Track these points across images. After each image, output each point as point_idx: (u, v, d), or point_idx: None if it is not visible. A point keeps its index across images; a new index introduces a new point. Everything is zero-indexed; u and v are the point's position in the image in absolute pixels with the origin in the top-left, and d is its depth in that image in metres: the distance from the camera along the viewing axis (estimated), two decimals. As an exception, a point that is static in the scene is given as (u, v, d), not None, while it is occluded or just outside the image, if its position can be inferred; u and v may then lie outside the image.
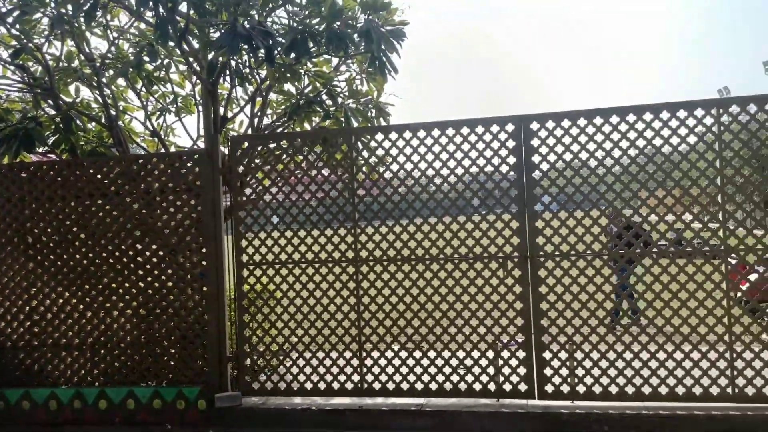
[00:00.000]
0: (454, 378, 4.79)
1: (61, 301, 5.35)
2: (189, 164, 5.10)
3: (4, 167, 5.40)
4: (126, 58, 5.62)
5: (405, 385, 4.84)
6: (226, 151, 5.26)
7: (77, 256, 5.30)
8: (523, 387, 4.66)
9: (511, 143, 4.77)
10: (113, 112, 5.79)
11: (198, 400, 4.97)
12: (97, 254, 5.26)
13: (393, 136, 4.96)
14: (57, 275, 5.33)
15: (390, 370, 4.87)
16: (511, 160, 4.77)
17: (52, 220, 5.34)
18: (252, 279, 5.12)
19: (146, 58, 5.26)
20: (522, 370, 4.67)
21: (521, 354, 4.67)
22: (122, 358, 5.22)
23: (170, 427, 4.96)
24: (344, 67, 6.13)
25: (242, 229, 5.11)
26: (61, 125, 5.49)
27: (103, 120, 5.84)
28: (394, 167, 4.95)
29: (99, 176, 5.24)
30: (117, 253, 5.23)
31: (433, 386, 4.78)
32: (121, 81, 5.83)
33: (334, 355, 4.99)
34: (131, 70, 5.49)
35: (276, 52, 4.78)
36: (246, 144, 5.16)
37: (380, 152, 5.02)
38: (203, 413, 4.96)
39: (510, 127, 4.77)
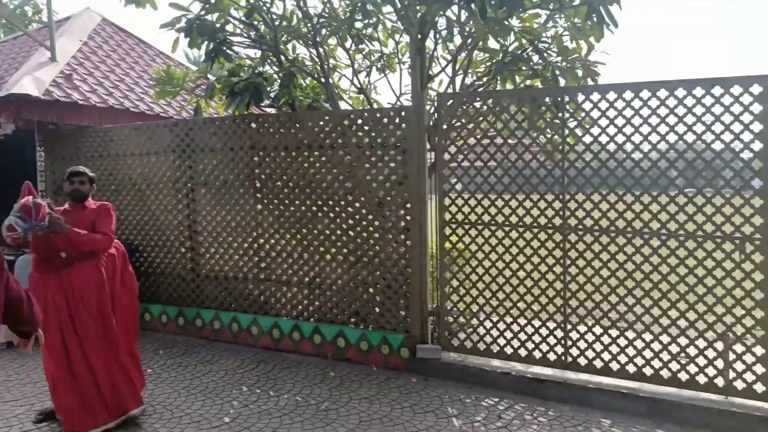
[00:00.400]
0: (673, 366, 4.40)
1: (283, 242, 5.93)
2: (396, 120, 5.18)
3: (237, 118, 6.00)
4: (338, 17, 5.77)
5: (615, 365, 4.58)
6: (431, 110, 5.25)
7: (297, 202, 5.78)
8: (759, 388, 4.12)
9: (756, 107, 4.05)
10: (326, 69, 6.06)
11: (401, 348, 5.27)
12: (314, 202, 5.69)
13: (611, 96, 4.49)
14: (280, 218, 5.89)
15: (598, 347, 4.64)
16: (756, 127, 4.06)
17: (276, 168, 5.85)
18: (454, 238, 5.16)
19: (358, 17, 5.34)
20: (760, 369, 4.12)
21: (759, 350, 4.12)
22: (334, 299, 5.68)
23: (375, 369, 5.35)
24: (551, 23, 5.63)
25: (446, 188, 5.12)
26: (284, 80, 5.88)
27: (318, 76, 6.14)
28: (611, 130, 4.51)
29: (316, 129, 5.57)
30: (330, 202, 5.59)
31: (648, 371, 4.45)
32: (331, 40, 6.03)
33: (536, 323, 4.88)
34: (344, 27, 5.63)
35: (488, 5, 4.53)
36: (451, 101, 5.06)
37: (595, 114, 4.60)
38: (405, 361, 5.25)
39: (756, 89, 4.03)
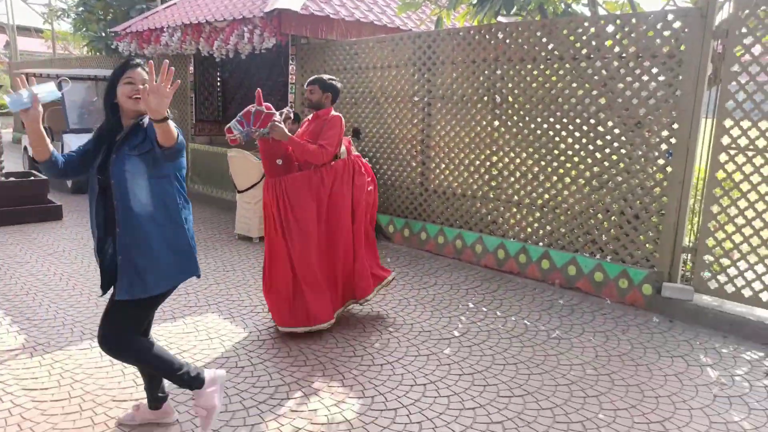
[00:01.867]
0: None
1: (518, 161, 5.63)
2: (675, 25, 4.46)
3: (483, 28, 5.72)
4: None
5: None
6: (719, 11, 4.42)
7: (538, 119, 5.40)
8: None
9: None
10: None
11: (643, 284, 4.74)
12: (558, 119, 5.26)
13: None
14: (517, 135, 5.59)
15: None
16: None
17: (520, 81, 5.50)
18: (731, 166, 4.39)
19: None
20: None
21: None
22: (568, 225, 5.29)
23: (609, 302, 4.91)
24: None
25: (729, 106, 4.33)
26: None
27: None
28: None
29: (571, 38, 5.07)
30: (578, 120, 5.12)
31: None
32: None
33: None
34: None
35: None
36: (755, 2, 4.18)
37: None
38: (646, 298, 4.73)
39: None
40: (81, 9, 12.58)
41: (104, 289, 2.63)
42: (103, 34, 11.64)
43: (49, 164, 2.51)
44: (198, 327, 4.21)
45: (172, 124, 2.33)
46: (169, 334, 4.06)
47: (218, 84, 10.92)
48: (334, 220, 4.21)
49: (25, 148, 11.05)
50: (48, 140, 2.49)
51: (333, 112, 4.23)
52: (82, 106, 10.42)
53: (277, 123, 3.92)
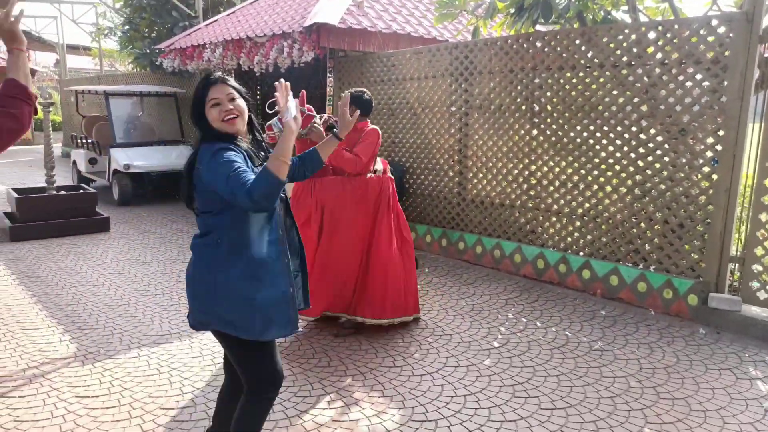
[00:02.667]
0: None
1: (557, 169, 5.58)
2: (720, 30, 4.37)
3: (521, 37, 5.71)
4: None
5: None
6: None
7: (578, 127, 5.35)
8: None
9: None
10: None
11: (689, 294, 4.63)
12: (598, 127, 5.20)
13: None
14: (556, 144, 5.54)
15: None
16: None
17: (559, 90, 5.46)
18: (780, 173, 4.27)
19: None
20: None
21: None
22: (609, 234, 5.21)
23: (653, 313, 4.81)
24: None
25: (777, 112, 4.21)
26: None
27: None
28: None
29: (611, 45, 5.01)
30: (619, 128, 5.05)
31: None
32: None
33: None
34: None
35: None
36: (803, 3, 4.08)
37: None
38: (692, 309, 4.61)
39: None
40: (127, 27, 13.05)
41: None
42: (148, 51, 12.03)
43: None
44: (241, 336, 4.30)
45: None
46: (213, 342, 4.16)
47: (258, 97, 11.15)
48: (364, 230, 4.32)
49: (74, 162, 11.48)
50: None
51: (370, 125, 4.32)
52: (127, 120, 10.78)
53: (317, 125, 4.01)
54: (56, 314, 4.69)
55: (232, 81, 2.28)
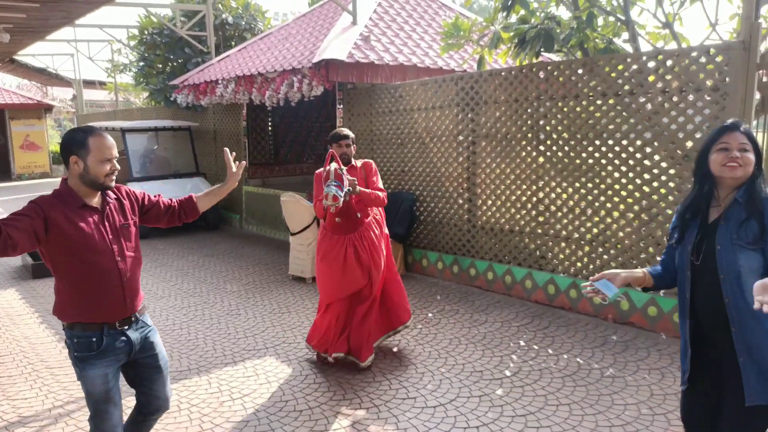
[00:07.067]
0: None
1: (564, 196, 5.67)
2: (718, 59, 4.47)
3: (525, 67, 5.84)
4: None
5: None
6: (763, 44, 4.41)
7: (583, 154, 5.44)
8: None
9: None
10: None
11: (699, 319, 4.65)
12: (603, 154, 5.29)
13: None
14: (563, 171, 5.63)
15: None
16: None
17: (563, 118, 5.57)
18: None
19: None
20: None
21: None
22: (619, 259, 5.26)
23: (664, 337, 4.84)
24: None
25: (778, 137, 4.28)
26: (581, 24, 5.50)
27: (617, 14, 5.62)
28: None
29: (613, 75, 5.12)
30: (624, 155, 5.14)
31: None
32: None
33: None
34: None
35: None
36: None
37: None
38: (704, 333, 4.64)
39: None
40: (141, 63, 13.41)
41: (690, 381, 2.35)
42: (162, 87, 12.35)
43: (659, 283, 2.46)
44: (257, 371, 4.39)
45: None
46: (230, 378, 4.26)
47: (269, 129, 11.38)
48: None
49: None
50: None
51: (362, 160, 4.57)
52: (143, 155, 11.04)
53: (352, 179, 4.11)
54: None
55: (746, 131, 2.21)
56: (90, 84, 23.98)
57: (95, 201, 2.52)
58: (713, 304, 2.19)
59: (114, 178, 2.51)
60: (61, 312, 2.49)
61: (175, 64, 12.61)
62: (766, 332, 2.11)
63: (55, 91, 29.78)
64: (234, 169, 2.91)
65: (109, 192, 2.58)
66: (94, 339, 2.45)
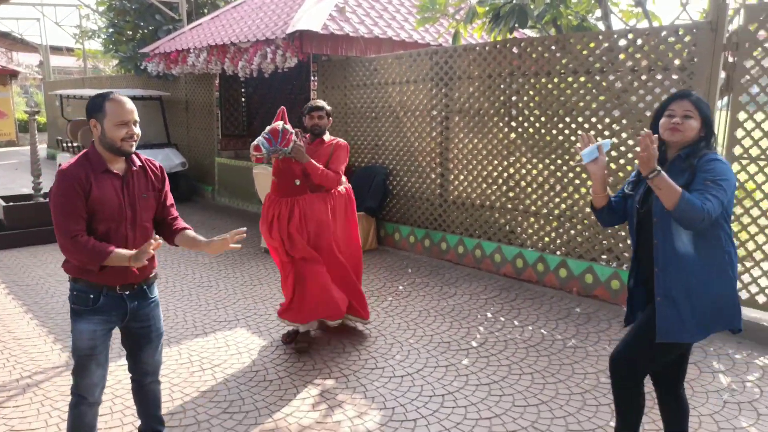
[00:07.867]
0: None
1: (534, 171, 5.75)
2: (686, 39, 4.54)
3: (498, 43, 5.86)
4: None
5: None
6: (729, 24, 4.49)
7: (554, 131, 5.52)
8: None
9: None
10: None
11: (659, 293, 4.82)
12: (573, 131, 5.37)
13: None
14: (533, 147, 5.70)
15: None
16: None
17: (535, 95, 5.63)
18: (743, 176, 4.45)
19: None
20: None
21: None
22: (585, 234, 5.39)
23: (625, 309, 4.99)
24: None
25: (740, 117, 4.40)
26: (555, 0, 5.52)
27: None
28: None
29: (584, 52, 5.18)
30: (592, 132, 5.22)
31: None
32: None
33: None
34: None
35: None
36: (764, 16, 4.25)
37: None
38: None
39: None
40: (111, 30, 13.05)
41: (627, 321, 2.73)
42: (132, 54, 12.06)
43: (606, 211, 2.61)
44: (228, 342, 4.43)
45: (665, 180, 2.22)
46: (201, 349, 4.29)
47: (242, 100, 11.24)
48: (336, 242, 4.36)
49: (60, 166, 11.49)
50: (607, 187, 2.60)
51: (337, 139, 4.37)
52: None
53: (299, 144, 4.08)
54: (47, 323, 4.80)
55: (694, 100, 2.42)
56: (57, 50, 23.28)
57: (118, 167, 2.56)
58: (649, 246, 2.47)
59: (133, 143, 2.54)
60: (67, 265, 2.56)
61: (145, 31, 12.31)
62: (686, 276, 2.36)
63: (21, 56, 28.87)
64: (221, 245, 2.62)
65: (135, 160, 2.62)
66: (92, 296, 2.52)
